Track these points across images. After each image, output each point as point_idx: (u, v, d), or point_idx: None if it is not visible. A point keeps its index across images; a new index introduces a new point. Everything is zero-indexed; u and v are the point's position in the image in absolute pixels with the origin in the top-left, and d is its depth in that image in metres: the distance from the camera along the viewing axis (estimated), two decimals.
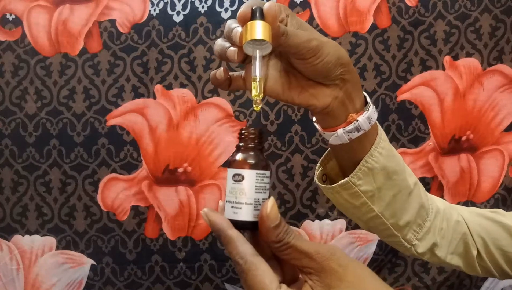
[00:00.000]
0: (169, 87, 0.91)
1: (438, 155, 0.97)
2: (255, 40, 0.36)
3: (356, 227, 0.96)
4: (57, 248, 0.92)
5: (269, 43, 0.37)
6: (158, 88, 0.91)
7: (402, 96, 0.95)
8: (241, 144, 0.39)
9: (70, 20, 0.88)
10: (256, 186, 0.37)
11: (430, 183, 0.98)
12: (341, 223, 0.96)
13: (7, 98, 0.89)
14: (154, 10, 0.89)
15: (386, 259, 0.98)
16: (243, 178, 0.37)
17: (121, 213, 0.92)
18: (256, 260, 0.34)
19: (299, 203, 0.95)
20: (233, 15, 0.90)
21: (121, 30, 0.89)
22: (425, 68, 0.95)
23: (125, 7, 0.89)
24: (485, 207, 1.00)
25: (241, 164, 0.38)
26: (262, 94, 0.38)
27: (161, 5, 0.89)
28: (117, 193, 0.92)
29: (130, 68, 0.90)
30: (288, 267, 0.37)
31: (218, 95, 0.92)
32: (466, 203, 1.00)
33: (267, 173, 0.38)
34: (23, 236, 0.91)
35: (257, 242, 0.37)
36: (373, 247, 0.97)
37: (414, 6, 0.92)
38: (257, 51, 0.38)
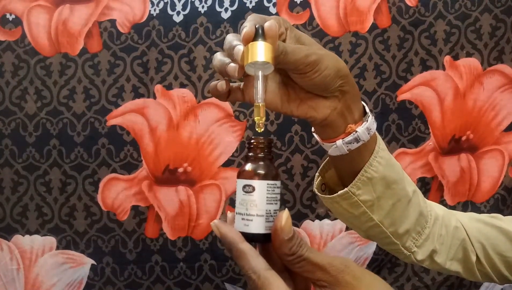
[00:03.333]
0: (169, 87, 0.91)
1: (438, 155, 0.97)
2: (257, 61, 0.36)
3: None
4: (57, 248, 0.92)
5: (271, 64, 0.36)
6: (158, 88, 0.91)
7: (402, 96, 0.95)
8: (250, 154, 0.38)
9: (70, 20, 0.88)
10: (267, 197, 0.36)
11: (430, 183, 0.98)
12: (341, 223, 0.96)
13: (7, 98, 0.89)
14: (154, 10, 0.89)
15: (386, 259, 0.98)
16: (253, 189, 0.36)
17: (121, 213, 0.92)
18: (269, 275, 0.33)
19: (299, 203, 0.95)
20: (233, 15, 0.90)
21: (121, 30, 0.89)
22: (425, 68, 0.95)
23: (125, 7, 0.89)
24: (485, 207, 1.00)
25: (251, 175, 0.37)
26: (264, 118, 0.38)
27: (161, 5, 0.89)
28: (117, 193, 0.92)
29: (130, 68, 0.90)
30: (300, 280, 0.37)
31: None
32: (466, 203, 1.00)
33: (278, 183, 0.38)
34: (23, 236, 0.91)
35: (268, 254, 0.37)
36: (373, 247, 0.97)
37: (414, 6, 0.92)
38: (260, 75, 0.37)
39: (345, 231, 0.97)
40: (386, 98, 0.95)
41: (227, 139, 0.92)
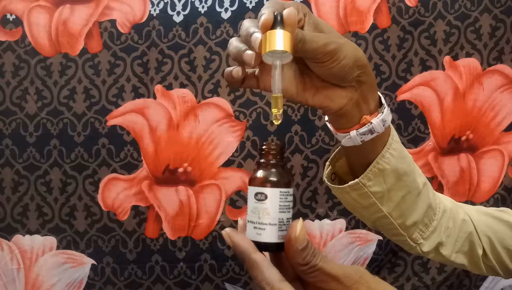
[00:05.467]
0: (169, 87, 0.91)
1: (437, 155, 0.98)
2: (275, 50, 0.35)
3: (356, 227, 0.97)
4: (58, 248, 0.92)
5: (290, 53, 0.35)
6: (158, 88, 0.91)
7: (402, 96, 0.95)
8: (262, 161, 0.37)
9: (71, 20, 0.88)
10: (280, 205, 0.35)
11: (430, 183, 0.98)
12: (341, 223, 0.96)
13: (7, 98, 0.89)
14: (154, 10, 0.89)
15: (386, 259, 0.98)
16: (266, 197, 0.35)
17: (121, 213, 0.92)
18: (283, 286, 0.33)
19: (299, 203, 0.95)
20: (233, 15, 0.90)
21: (121, 30, 0.89)
22: (425, 68, 0.95)
23: (125, 7, 0.89)
24: (485, 207, 1.00)
25: (263, 182, 0.36)
26: (282, 110, 0.37)
27: (161, 5, 0.89)
28: (117, 193, 0.92)
29: (130, 68, 0.90)
30: (313, 289, 0.36)
31: (218, 95, 0.92)
32: (465, 203, 1.00)
33: (290, 190, 0.37)
34: (24, 236, 0.91)
35: (280, 262, 0.37)
36: (373, 247, 0.97)
37: (414, 6, 0.92)
38: (278, 65, 0.36)
39: (345, 231, 0.97)
40: (386, 98, 0.94)
41: (227, 139, 0.92)
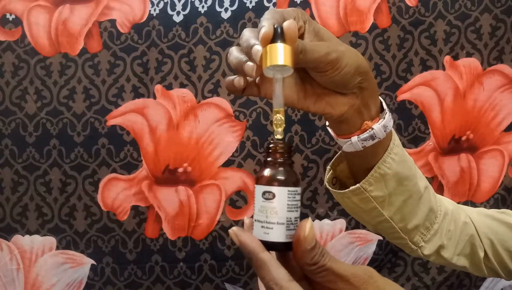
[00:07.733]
0: (169, 87, 0.91)
1: (438, 155, 0.97)
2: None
3: (356, 227, 0.96)
4: (57, 248, 0.92)
5: (290, 67, 0.35)
6: (158, 88, 0.91)
7: (402, 96, 0.95)
8: (269, 159, 0.36)
9: (70, 20, 0.88)
10: (288, 205, 0.35)
11: (430, 183, 0.98)
12: (341, 223, 0.96)
13: (7, 98, 0.89)
14: (154, 10, 0.89)
15: (386, 259, 0.98)
16: (274, 196, 0.35)
17: (121, 213, 0.92)
18: (291, 286, 0.32)
19: None
20: (233, 15, 0.90)
21: (121, 30, 0.89)
22: (425, 68, 0.95)
23: (125, 7, 0.89)
24: (485, 207, 1.00)
25: (271, 181, 0.35)
26: (284, 125, 0.36)
27: (161, 5, 0.89)
28: (117, 193, 0.92)
29: (130, 68, 0.90)
30: (321, 289, 0.36)
31: (218, 95, 0.92)
32: (466, 203, 1.00)
33: (299, 189, 0.36)
34: (23, 236, 0.91)
35: (287, 261, 0.36)
36: (373, 247, 0.97)
37: (414, 6, 0.92)
38: (279, 78, 0.36)
39: (345, 231, 0.96)
40: (386, 98, 0.95)
41: (227, 139, 0.92)
